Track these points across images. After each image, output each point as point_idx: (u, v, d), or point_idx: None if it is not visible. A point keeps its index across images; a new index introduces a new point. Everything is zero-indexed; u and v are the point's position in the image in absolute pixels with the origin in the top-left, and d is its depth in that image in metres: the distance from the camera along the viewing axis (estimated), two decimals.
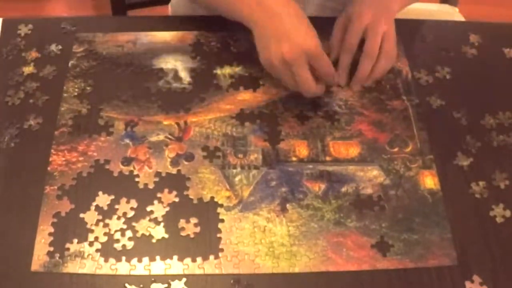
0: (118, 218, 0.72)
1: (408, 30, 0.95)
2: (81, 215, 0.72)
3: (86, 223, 0.71)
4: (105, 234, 0.71)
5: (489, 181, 0.78)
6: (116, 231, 0.71)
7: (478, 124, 0.84)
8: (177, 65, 0.87)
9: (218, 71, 0.87)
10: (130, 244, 0.70)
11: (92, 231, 0.71)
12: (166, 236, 0.71)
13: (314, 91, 0.80)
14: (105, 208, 0.73)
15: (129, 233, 0.71)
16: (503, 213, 0.75)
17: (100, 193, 0.74)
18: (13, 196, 0.74)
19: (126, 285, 0.67)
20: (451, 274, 0.70)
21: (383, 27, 0.83)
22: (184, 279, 0.68)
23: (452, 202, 0.76)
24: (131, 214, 0.72)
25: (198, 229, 0.72)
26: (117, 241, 0.70)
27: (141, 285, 0.67)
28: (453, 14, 1.32)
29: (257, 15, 0.80)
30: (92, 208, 0.73)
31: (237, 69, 0.88)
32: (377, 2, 0.85)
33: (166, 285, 0.68)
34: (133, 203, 0.73)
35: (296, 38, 0.77)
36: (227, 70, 0.88)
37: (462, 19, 1.30)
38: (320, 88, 0.81)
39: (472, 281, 0.70)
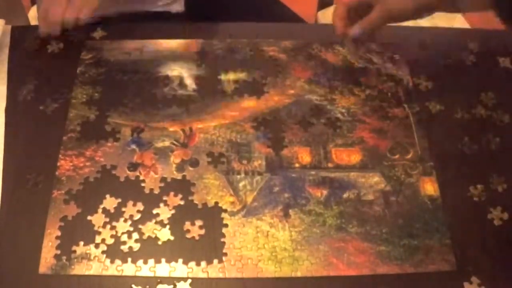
0: (125, 220, 0.74)
1: (408, 36, 0.96)
2: (89, 218, 0.74)
3: (93, 226, 0.73)
4: (112, 236, 0.72)
5: (487, 184, 0.79)
6: (123, 233, 0.73)
7: (476, 128, 0.85)
8: (182, 73, 0.89)
9: (222, 76, 0.89)
10: (136, 246, 0.72)
11: (99, 233, 0.72)
12: (172, 238, 0.72)
13: None
14: (112, 211, 0.74)
15: (135, 235, 0.72)
16: (501, 216, 0.77)
17: (108, 196, 0.75)
18: (22, 200, 0.75)
19: (133, 286, 0.69)
20: (450, 276, 0.71)
21: None
22: (189, 281, 0.69)
23: (451, 206, 0.77)
24: (136, 218, 0.74)
25: (203, 232, 0.73)
26: (124, 243, 0.72)
27: (147, 287, 0.69)
28: (454, 15, 1.33)
29: None
30: (100, 210, 0.74)
31: (241, 75, 0.89)
32: None
33: (171, 286, 0.69)
34: (140, 206, 0.75)
35: None
36: (231, 76, 0.89)
37: (464, 20, 1.31)
38: None
39: (471, 283, 0.71)
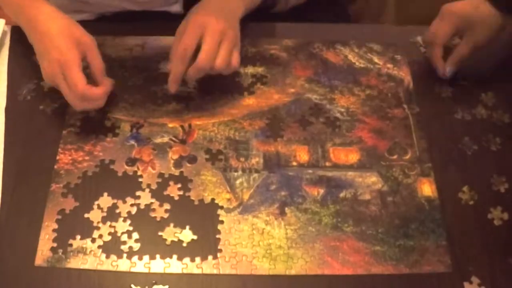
0: (121, 217, 0.74)
1: (409, 37, 0.96)
2: (86, 215, 0.74)
3: (91, 222, 0.73)
4: (109, 234, 0.73)
5: (487, 185, 0.79)
6: (118, 230, 0.73)
7: (476, 128, 0.85)
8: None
9: (242, 70, 0.90)
10: (131, 243, 0.72)
11: (98, 228, 0.73)
12: (167, 235, 0.73)
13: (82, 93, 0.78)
14: (109, 207, 0.75)
15: (131, 232, 0.73)
16: (501, 216, 0.76)
17: (106, 194, 0.76)
18: (20, 193, 0.76)
19: (132, 286, 0.69)
20: (450, 276, 0.71)
21: (221, 26, 0.80)
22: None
23: (451, 206, 0.77)
24: (133, 213, 0.74)
25: (198, 230, 0.73)
26: (120, 239, 0.72)
27: (146, 287, 0.69)
28: None
29: (31, 34, 0.83)
30: (95, 207, 0.75)
31: (260, 69, 0.90)
32: (218, 8, 0.83)
33: (167, 286, 0.69)
34: (136, 203, 0.75)
35: (53, 53, 0.78)
36: (250, 69, 0.90)
37: None
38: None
39: (471, 283, 0.71)
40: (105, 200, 0.75)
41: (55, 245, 0.71)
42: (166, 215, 0.74)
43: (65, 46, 0.78)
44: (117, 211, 0.74)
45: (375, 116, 0.86)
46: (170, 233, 0.73)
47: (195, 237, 0.73)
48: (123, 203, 0.75)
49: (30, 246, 0.71)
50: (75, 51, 0.79)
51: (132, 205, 0.75)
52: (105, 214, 0.74)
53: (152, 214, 0.74)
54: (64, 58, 0.78)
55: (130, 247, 0.72)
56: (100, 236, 0.72)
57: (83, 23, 0.83)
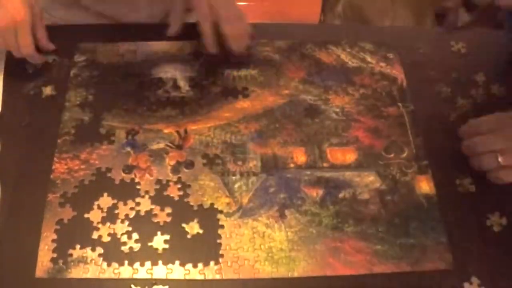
0: (122, 221, 0.74)
1: (402, 35, 0.96)
2: (86, 215, 0.74)
3: (90, 228, 0.73)
4: (109, 234, 0.72)
5: (487, 184, 0.79)
6: (120, 234, 0.73)
7: None
8: (176, 74, 0.89)
9: (235, 73, 0.89)
10: (133, 248, 0.72)
11: (97, 229, 0.73)
12: (168, 241, 0.72)
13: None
14: (108, 211, 0.74)
15: (132, 237, 0.72)
16: (501, 217, 0.76)
17: (106, 194, 0.76)
18: (17, 204, 0.75)
19: (132, 286, 0.69)
20: (450, 276, 0.72)
21: None
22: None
23: (449, 205, 0.77)
24: (133, 218, 0.74)
25: (199, 235, 0.73)
26: (121, 245, 0.72)
27: (146, 287, 0.69)
28: None
29: None
30: (95, 207, 0.74)
31: (253, 72, 0.90)
32: None
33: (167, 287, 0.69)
34: (135, 207, 0.75)
35: (9, 10, 0.81)
36: (243, 72, 0.90)
37: None
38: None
39: (471, 283, 0.71)
40: (103, 203, 0.75)
41: (55, 255, 0.71)
42: (166, 221, 0.74)
43: (22, 7, 0.81)
44: (117, 216, 0.74)
45: (370, 115, 0.86)
46: (172, 239, 0.73)
47: (196, 242, 0.72)
48: (123, 207, 0.75)
49: (30, 258, 0.70)
50: (30, 15, 0.82)
51: (131, 210, 0.75)
52: (105, 216, 0.74)
53: (153, 220, 0.74)
54: (21, 18, 0.81)
55: (131, 253, 0.71)
56: (100, 237, 0.72)
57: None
